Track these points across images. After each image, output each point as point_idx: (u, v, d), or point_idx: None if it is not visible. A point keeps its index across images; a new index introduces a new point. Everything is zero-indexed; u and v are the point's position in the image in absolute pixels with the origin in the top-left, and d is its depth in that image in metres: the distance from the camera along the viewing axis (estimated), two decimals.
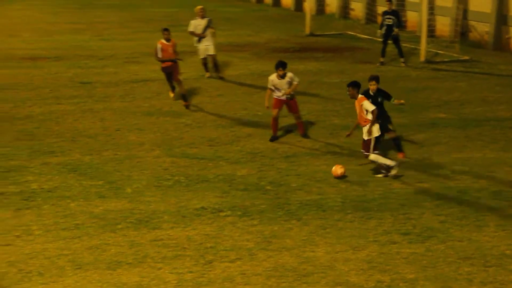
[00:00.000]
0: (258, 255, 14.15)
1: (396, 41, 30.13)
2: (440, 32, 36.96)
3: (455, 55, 32.56)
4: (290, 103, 20.77)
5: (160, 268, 13.54)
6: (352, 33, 38.84)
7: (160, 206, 16.28)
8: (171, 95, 24.68)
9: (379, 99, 18.60)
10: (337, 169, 17.99)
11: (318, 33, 38.31)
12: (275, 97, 20.64)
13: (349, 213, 15.89)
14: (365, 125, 17.79)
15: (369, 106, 17.67)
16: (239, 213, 16.03)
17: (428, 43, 31.62)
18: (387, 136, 19.12)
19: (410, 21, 38.85)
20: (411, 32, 37.60)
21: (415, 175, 18.10)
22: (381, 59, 30.63)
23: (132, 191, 17.17)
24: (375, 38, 34.37)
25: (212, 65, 27.41)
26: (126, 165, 18.73)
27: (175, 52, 23.90)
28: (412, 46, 33.72)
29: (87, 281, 13.10)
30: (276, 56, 31.48)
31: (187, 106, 23.63)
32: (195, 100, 24.70)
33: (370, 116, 17.68)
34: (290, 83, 20.48)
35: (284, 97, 20.55)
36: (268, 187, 17.46)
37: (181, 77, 24.30)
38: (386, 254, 14.02)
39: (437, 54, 32.79)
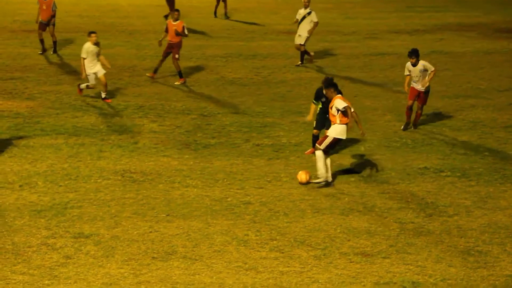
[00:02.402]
0: (474, 212, 13.78)
1: None
2: None
3: None
4: (421, 94, 18.16)
5: (386, 217, 13.51)
6: None
7: (388, 164, 16.18)
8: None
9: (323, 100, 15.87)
10: (302, 176, 14.81)
11: None
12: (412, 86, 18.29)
13: None
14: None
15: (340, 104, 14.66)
16: (458, 174, 15.64)
17: None
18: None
19: None
20: None
21: None
22: None
23: (365, 149, 17.16)
24: None
25: (300, 53, 24.99)
26: (365, 126, 18.68)
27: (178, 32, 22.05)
28: None
29: (324, 223, 13.30)
30: (501, 36, 30.19)
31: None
32: None
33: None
34: (423, 72, 17.95)
35: (422, 89, 18.07)
36: (486, 153, 16.89)
37: None
38: None
39: None
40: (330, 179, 14.74)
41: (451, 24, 32.65)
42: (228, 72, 23.79)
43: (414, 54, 17.98)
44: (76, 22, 31.28)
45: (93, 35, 19.86)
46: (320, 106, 16.25)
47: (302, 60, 24.85)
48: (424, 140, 17.73)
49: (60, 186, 14.59)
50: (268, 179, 15.24)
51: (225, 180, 15.10)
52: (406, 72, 18.39)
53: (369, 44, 28.82)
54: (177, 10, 22.51)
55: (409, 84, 18.39)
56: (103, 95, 20.24)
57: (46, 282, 11.02)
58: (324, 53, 27.01)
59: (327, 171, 14.66)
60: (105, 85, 20.04)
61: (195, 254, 12.03)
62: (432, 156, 16.65)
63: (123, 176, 15.16)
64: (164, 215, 13.42)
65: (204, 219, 13.28)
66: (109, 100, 20.18)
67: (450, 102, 21.04)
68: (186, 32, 22.17)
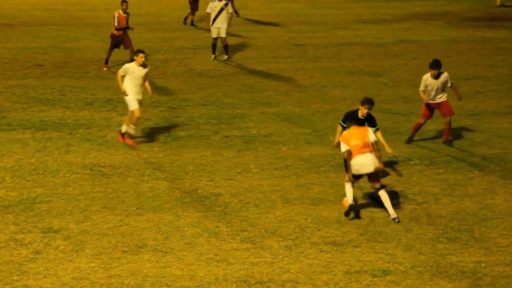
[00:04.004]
0: (443, 200, 13.91)
1: None
2: None
3: None
4: (443, 104, 16.48)
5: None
6: None
7: None
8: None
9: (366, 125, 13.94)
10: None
11: (509, 4, 36.60)
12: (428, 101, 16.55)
13: None
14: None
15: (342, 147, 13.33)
16: (426, 162, 15.77)
17: None
18: None
19: None
20: None
21: None
22: None
23: (334, 139, 17.22)
24: None
25: (223, 47, 24.45)
26: (331, 116, 18.78)
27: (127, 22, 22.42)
28: None
29: (294, 213, 13.34)
30: (467, 24, 30.43)
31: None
32: (391, 62, 24.30)
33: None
34: (444, 84, 16.34)
35: (442, 99, 16.44)
36: (454, 141, 17.03)
37: None
38: None
39: None
40: (348, 203, 13.18)
41: (418, 13, 32.83)
42: (196, 64, 23.73)
43: (438, 65, 16.14)
44: (42, 15, 31.00)
45: (141, 55, 16.29)
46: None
47: (228, 52, 24.25)
48: (393, 129, 17.84)
49: (28, 181, 14.48)
50: (238, 171, 15.25)
51: (195, 172, 15.08)
52: (422, 87, 16.40)
53: (336, 34, 28.90)
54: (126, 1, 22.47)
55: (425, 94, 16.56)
56: (126, 130, 16.59)
57: (15, 277, 10.94)
58: (292, 44, 27.03)
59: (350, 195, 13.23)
60: (137, 120, 16.53)
61: (166, 247, 12.01)
62: (400, 145, 16.76)
63: (91, 170, 15.07)
64: (134, 208, 13.37)
65: (175, 212, 13.26)
66: (133, 143, 16.51)
67: (417, 91, 21.18)
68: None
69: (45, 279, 10.93)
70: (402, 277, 11.16)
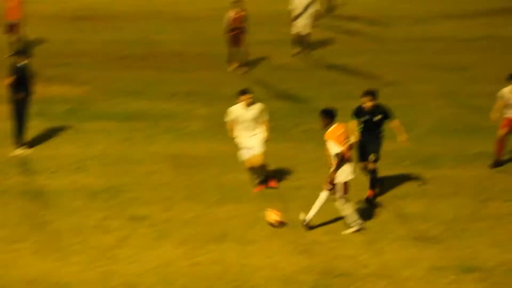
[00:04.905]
0: None
1: None
2: None
3: None
4: None
5: (439, 202, 13.45)
6: None
7: (441, 149, 16.07)
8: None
9: (376, 118, 13.36)
10: (271, 216, 12.44)
11: None
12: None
13: None
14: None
15: (333, 147, 12.04)
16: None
17: None
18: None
19: None
20: None
21: None
22: None
23: (416, 134, 17.05)
24: None
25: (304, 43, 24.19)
26: (413, 111, 18.58)
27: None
28: None
29: (377, 208, 13.27)
30: None
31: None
32: (474, 57, 23.87)
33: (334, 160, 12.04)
34: None
35: None
36: None
37: None
38: None
39: None
40: (357, 224, 12.26)
41: (504, 8, 32.14)
42: (276, 57, 23.79)
43: None
44: (126, 9, 31.46)
45: (244, 97, 13.75)
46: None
47: (308, 48, 24.05)
48: (477, 126, 17.55)
49: (114, 169, 14.80)
50: (319, 164, 15.24)
51: (276, 164, 15.14)
52: (500, 99, 15.15)
53: (419, 28, 28.55)
54: None
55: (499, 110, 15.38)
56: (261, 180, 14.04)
57: (103, 262, 11.21)
58: (374, 38, 26.84)
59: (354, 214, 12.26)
60: (262, 168, 14.02)
61: (248, 237, 12.12)
62: (487, 141, 16.47)
63: (174, 161, 15.30)
64: (216, 198, 13.52)
65: (256, 203, 13.36)
66: (274, 184, 14.12)
67: (500, 87, 20.78)
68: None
69: (131, 264, 11.16)
70: (488, 274, 11.01)
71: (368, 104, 13.33)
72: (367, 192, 13.45)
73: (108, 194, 13.61)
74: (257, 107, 13.74)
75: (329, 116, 12.09)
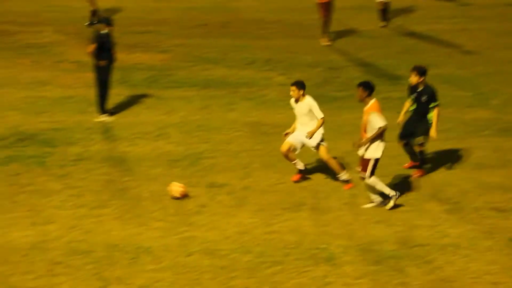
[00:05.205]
0: None
1: None
2: None
3: None
4: None
5: None
6: None
7: None
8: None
9: (423, 98, 12.95)
10: (175, 189, 12.36)
11: None
12: None
13: None
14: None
15: (378, 120, 11.72)
16: None
17: None
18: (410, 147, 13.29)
19: None
20: None
21: None
22: None
23: (497, 103, 16.75)
24: None
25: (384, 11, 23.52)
26: (495, 79, 18.24)
27: None
28: None
29: (455, 178, 13.18)
30: None
31: None
32: None
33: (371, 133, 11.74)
34: None
35: None
36: None
37: None
38: None
39: None
40: (393, 192, 12.02)
41: None
42: (356, 25, 23.58)
43: None
44: None
45: (292, 88, 12.79)
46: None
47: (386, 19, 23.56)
48: None
49: (193, 137, 15.01)
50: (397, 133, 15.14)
51: (352, 133, 15.09)
52: None
53: None
54: None
55: None
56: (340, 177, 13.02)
57: (183, 228, 11.44)
58: (456, 4, 26.31)
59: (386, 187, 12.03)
60: (333, 163, 13.02)
61: (324, 206, 12.18)
62: None
63: (252, 128, 15.41)
64: (292, 167, 13.57)
65: (332, 172, 13.36)
66: (349, 185, 12.91)
67: None
68: None
69: (210, 231, 11.36)
70: None
71: (413, 80, 12.92)
72: (415, 172, 13.12)
73: (188, 161, 13.83)
74: (306, 103, 12.69)
75: (369, 88, 11.81)
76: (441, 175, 13.21)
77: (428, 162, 13.51)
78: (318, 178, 13.15)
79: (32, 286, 9.86)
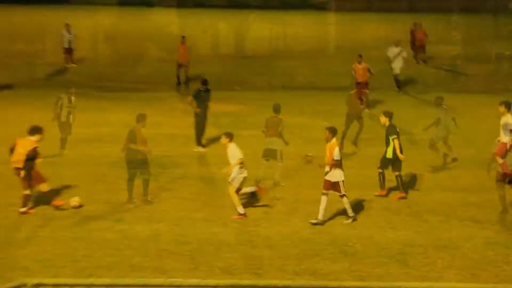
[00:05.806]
0: None
1: None
2: None
3: None
4: None
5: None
6: None
7: None
8: None
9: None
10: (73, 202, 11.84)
11: None
12: None
13: None
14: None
15: (337, 153, 11.51)
16: None
17: None
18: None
19: None
20: None
21: None
22: None
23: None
24: None
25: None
26: None
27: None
28: None
29: (444, 197, 12.91)
30: None
31: None
32: None
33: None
34: None
35: None
36: None
37: None
38: None
39: None
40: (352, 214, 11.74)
41: None
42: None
43: None
44: (273, 50, 31.47)
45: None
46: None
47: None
48: None
49: (258, 164, 14.91)
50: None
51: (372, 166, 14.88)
52: None
53: None
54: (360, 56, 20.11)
55: None
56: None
57: (251, 228, 11.48)
58: None
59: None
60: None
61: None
62: None
63: (304, 159, 15.14)
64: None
65: (355, 191, 13.13)
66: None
67: None
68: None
69: (270, 231, 11.41)
70: None
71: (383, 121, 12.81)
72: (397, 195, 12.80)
73: (249, 182, 13.82)
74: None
75: (334, 132, 11.75)
76: (438, 195, 12.98)
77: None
78: (348, 195, 13.08)
79: (147, 266, 10.09)
